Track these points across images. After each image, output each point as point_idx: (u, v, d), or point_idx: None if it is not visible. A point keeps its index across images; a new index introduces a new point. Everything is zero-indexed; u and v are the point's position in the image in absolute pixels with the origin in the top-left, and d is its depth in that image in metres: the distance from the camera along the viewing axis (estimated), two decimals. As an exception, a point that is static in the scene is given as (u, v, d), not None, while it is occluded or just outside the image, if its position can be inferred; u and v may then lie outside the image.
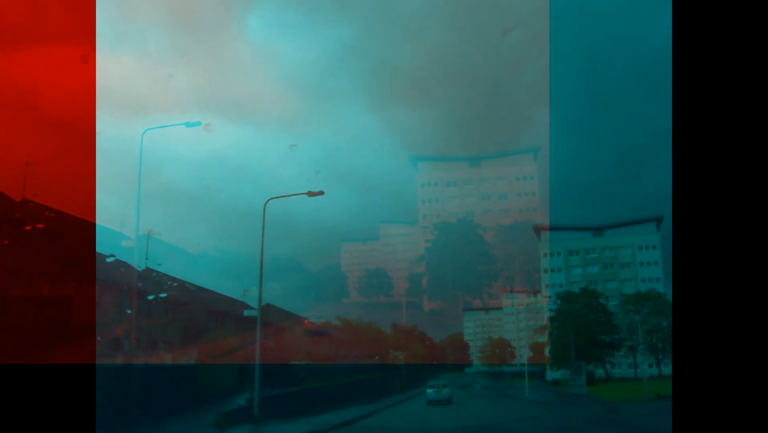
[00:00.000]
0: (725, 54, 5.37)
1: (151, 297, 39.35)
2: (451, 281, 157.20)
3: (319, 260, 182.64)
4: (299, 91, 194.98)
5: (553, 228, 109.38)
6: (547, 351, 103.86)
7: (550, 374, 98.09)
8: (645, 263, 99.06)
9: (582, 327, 67.91)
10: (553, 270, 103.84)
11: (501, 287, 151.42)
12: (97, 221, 35.69)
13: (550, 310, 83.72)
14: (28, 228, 27.98)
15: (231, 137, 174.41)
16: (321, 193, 26.42)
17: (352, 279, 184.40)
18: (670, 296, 77.34)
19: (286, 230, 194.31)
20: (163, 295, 40.79)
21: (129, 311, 33.81)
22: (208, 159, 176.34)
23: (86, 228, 34.36)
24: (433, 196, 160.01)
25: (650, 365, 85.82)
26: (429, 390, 45.89)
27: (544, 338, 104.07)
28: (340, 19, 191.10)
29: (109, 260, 31.54)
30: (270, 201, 27.52)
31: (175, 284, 44.44)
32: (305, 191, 26.35)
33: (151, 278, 40.73)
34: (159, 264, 41.83)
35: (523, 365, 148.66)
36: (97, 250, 32.01)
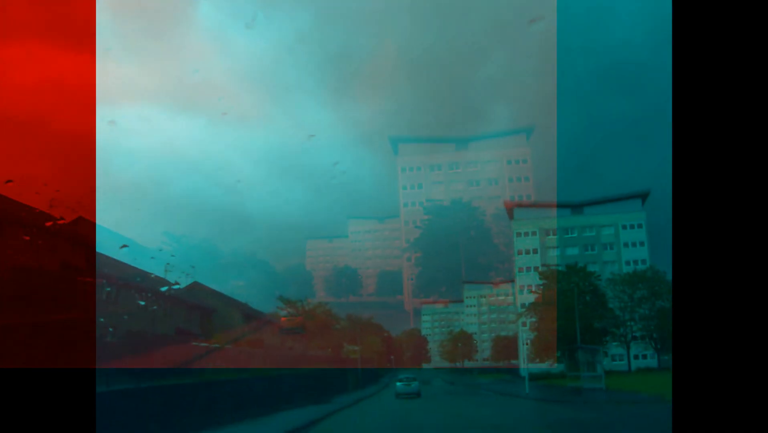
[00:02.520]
0: (725, 49, 5.21)
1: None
2: (446, 273, 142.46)
3: (280, 256, 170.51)
4: (253, 82, 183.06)
5: (527, 205, 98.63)
6: (523, 344, 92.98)
7: (526, 368, 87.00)
8: (629, 244, 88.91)
9: (572, 311, 56.63)
10: (527, 252, 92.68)
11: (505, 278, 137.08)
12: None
13: (534, 292, 72.19)
14: None
15: (183, 129, 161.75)
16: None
17: (318, 278, 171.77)
18: (669, 277, 67.00)
19: (242, 223, 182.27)
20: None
21: None
22: (159, 151, 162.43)
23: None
24: (415, 182, 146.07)
25: (636, 357, 76.09)
26: (398, 384, 44.52)
27: (519, 326, 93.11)
28: (295, 7, 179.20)
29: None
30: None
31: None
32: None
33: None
34: None
35: (486, 360, 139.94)
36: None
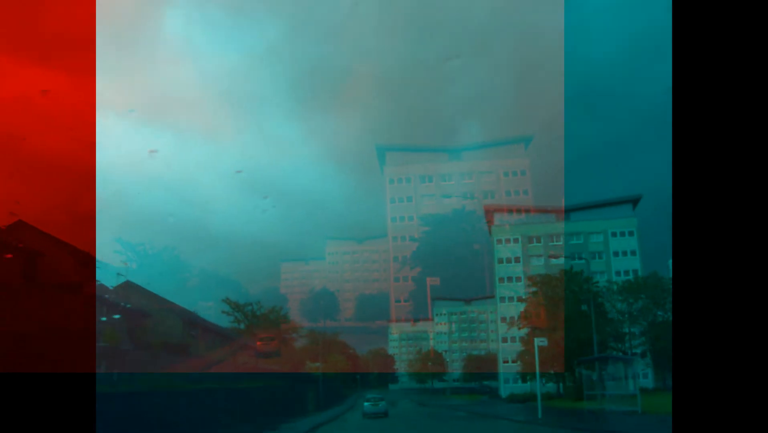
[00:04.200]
0: (726, 50, 5.14)
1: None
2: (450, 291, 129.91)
3: (252, 277, 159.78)
4: (221, 95, 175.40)
5: (508, 210, 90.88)
6: (503, 362, 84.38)
7: (507, 388, 78.34)
8: (620, 253, 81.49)
9: (575, 320, 48.56)
10: (509, 261, 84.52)
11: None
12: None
13: (520, 300, 63.82)
14: None
15: (147, 142, 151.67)
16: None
17: (294, 302, 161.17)
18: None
19: (209, 241, 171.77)
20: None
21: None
22: (122, 164, 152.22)
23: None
24: (405, 194, 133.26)
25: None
26: (366, 403, 43.01)
27: (499, 341, 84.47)
28: (265, 17, 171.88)
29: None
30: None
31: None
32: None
33: None
34: None
35: (456, 380, 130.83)
36: None
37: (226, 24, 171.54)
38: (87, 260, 36.09)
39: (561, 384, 54.74)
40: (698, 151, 4.98)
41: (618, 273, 78.63)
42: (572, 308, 49.02)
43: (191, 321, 53.54)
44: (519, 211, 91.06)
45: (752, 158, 4.80)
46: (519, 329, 58.56)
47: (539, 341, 30.30)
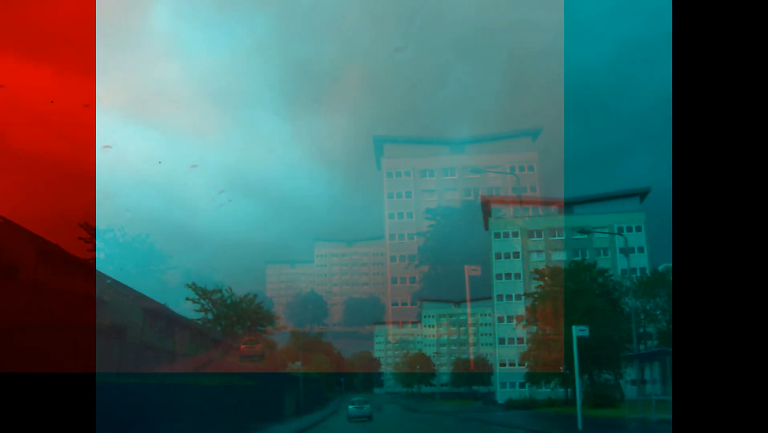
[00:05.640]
0: (726, 48, 5.13)
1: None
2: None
3: (238, 279, 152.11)
4: (209, 93, 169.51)
5: (508, 202, 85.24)
6: (498, 365, 78.51)
7: (504, 393, 72.42)
8: (627, 249, 75.93)
9: (597, 314, 42.95)
10: (507, 256, 78.79)
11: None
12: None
13: (525, 296, 57.87)
14: None
15: (131, 140, 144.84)
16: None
17: (280, 306, 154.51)
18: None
19: (195, 241, 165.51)
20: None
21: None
22: (105, 163, 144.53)
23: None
24: (403, 189, 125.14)
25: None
26: (350, 406, 44.30)
27: (495, 342, 78.60)
28: (255, 13, 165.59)
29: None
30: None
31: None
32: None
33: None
34: None
35: (444, 385, 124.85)
36: None
37: (214, 19, 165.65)
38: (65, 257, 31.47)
39: (569, 388, 48.99)
40: (698, 152, 4.80)
41: (624, 271, 73.23)
42: (588, 303, 43.33)
43: (156, 312, 47.39)
44: (520, 203, 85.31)
45: (752, 156, 4.62)
46: (524, 327, 52.71)
47: (578, 330, 24.41)
